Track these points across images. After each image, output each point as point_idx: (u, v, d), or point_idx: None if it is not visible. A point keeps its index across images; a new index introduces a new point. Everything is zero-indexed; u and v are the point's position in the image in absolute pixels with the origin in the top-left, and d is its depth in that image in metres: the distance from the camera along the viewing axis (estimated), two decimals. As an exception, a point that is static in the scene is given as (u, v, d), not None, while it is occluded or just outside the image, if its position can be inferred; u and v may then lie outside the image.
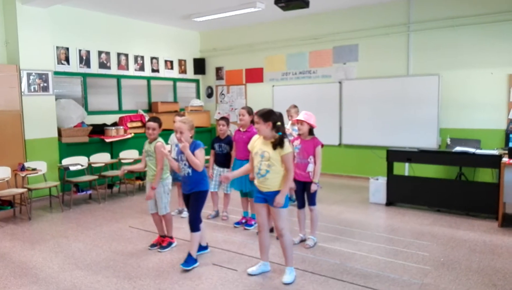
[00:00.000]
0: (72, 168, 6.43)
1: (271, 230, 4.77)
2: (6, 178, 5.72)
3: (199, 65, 9.99)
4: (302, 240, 4.44)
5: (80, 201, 6.57)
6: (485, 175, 6.41)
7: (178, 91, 9.71)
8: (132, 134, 7.69)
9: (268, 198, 3.45)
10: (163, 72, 9.26)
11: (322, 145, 4.26)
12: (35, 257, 4.20)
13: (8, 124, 6.14)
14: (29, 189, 5.83)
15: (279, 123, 3.41)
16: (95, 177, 6.57)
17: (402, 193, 5.86)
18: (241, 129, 4.98)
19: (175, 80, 9.61)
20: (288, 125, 5.67)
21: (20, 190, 5.64)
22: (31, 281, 3.63)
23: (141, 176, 7.46)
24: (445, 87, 6.88)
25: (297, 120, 4.29)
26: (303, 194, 4.35)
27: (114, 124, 7.85)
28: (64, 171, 6.45)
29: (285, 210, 3.48)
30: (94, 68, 7.85)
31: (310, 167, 4.22)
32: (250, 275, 3.64)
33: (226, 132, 5.22)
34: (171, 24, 9.05)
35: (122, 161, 7.20)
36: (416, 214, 5.50)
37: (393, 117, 7.35)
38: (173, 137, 5.64)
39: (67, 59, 7.38)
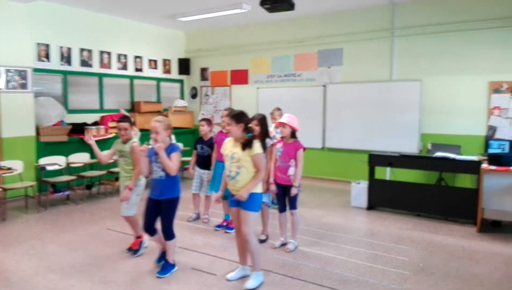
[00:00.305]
0: (49, 167, 6.27)
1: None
2: (-20, 177, 5.54)
3: (184, 65, 9.90)
4: (283, 244, 4.41)
5: (57, 202, 6.41)
6: (464, 180, 6.50)
7: (162, 91, 9.60)
8: (114, 134, 7.54)
9: (241, 201, 3.39)
10: (147, 72, 9.14)
11: (304, 149, 4.24)
12: (7, 260, 4.07)
13: (-17, 121, 5.95)
14: (4, 189, 5.66)
15: (250, 125, 3.43)
16: (74, 177, 6.43)
17: (383, 197, 5.89)
18: (223, 130, 4.93)
19: (159, 80, 9.50)
20: (271, 128, 5.64)
21: (-5, 190, 5.47)
22: (2, 285, 3.50)
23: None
24: (427, 92, 6.96)
25: (280, 122, 4.27)
26: (284, 197, 4.33)
27: (95, 124, 7.70)
28: (41, 171, 6.28)
29: (253, 214, 3.40)
30: (76, 65, 7.68)
31: (291, 171, 4.20)
32: (229, 280, 3.58)
33: (207, 133, 5.17)
34: (155, 23, 8.94)
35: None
36: (397, 219, 5.54)
37: (375, 122, 7.39)
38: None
39: (47, 56, 7.21)
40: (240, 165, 3.33)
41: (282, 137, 4.31)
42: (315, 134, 8.07)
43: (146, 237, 4.21)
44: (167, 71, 9.66)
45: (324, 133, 8.05)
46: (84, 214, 5.78)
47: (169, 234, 3.66)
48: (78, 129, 7.25)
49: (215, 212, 5.52)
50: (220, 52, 9.45)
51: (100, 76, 8.17)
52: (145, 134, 8.09)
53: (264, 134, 4.42)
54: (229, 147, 3.43)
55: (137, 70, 8.91)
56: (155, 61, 9.31)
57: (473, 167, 5.24)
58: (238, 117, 3.35)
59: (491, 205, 5.02)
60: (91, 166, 7.03)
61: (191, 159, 5.39)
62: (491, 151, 6.11)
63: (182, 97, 10.15)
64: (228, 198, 3.54)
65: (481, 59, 6.52)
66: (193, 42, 9.92)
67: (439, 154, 5.66)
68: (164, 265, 3.73)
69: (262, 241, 4.55)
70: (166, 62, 9.61)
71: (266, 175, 4.38)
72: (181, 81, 10.12)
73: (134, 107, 8.79)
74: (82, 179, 6.65)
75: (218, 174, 4.74)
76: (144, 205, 3.70)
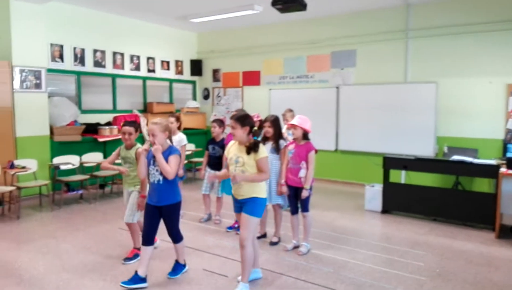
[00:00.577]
0: (63, 167, 6.31)
1: (264, 235, 4.71)
2: (-5, 176, 5.60)
3: (196, 67, 9.91)
4: (296, 247, 4.35)
5: (70, 201, 6.45)
6: (482, 185, 6.35)
7: (174, 92, 9.62)
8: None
9: (243, 205, 3.27)
10: (159, 73, 9.17)
11: (316, 151, 4.18)
12: (21, 258, 4.08)
13: (-1, 120, 6.02)
14: (19, 188, 5.70)
15: (255, 128, 3.27)
16: (87, 176, 6.46)
17: (398, 201, 5.79)
18: (235, 132, 4.89)
19: (171, 81, 9.52)
20: (283, 129, 5.59)
21: (9, 188, 5.52)
22: (15, 282, 3.51)
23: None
24: (443, 95, 6.83)
25: (291, 124, 4.22)
26: (296, 199, 4.27)
27: (108, 124, 7.74)
28: (55, 170, 6.32)
29: (254, 220, 3.26)
30: (89, 66, 7.73)
31: (302, 173, 4.14)
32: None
33: (219, 134, 5.15)
34: (168, 24, 8.96)
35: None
36: (412, 223, 5.43)
37: (390, 124, 7.28)
38: (167, 138, 5.55)
39: (61, 57, 7.27)
40: (245, 169, 3.20)
41: (294, 139, 4.25)
42: (328, 136, 7.99)
43: (158, 241, 4.21)
44: (180, 72, 9.68)
45: (337, 135, 7.97)
46: (97, 213, 5.80)
47: (177, 237, 3.58)
48: (92, 129, 7.30)
49: (226, 213, 5.48)
50: (232, 53, 9.43)
51: (113, 76, 8.22)
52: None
53: (277, 136, 4.38)
54: (234, 151, 3.30)
55: (150, 71, 8.94)
56: (167, 62, 9.34)
57: (491, 171, 5.12)
58: (243, 119, 3.22)
59: (510, 210, 4.89)
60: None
61: (203, 160, 5.38)
62: (509, 155, 5.95)
63: (194, 98, 10.15)
64: (234, 204, 3.43)
65: (498, 61, 6.38)
66: (205, 43, 9.92)
67: (456, 157, 5.54)
68: (175, 265, 3.69)
69: (274, 244, 4.50)
70: (178, 63, 9.63)
71: (279, 177, 4.35)
72: (193, 82, 10.13)
73: (146, 108, 8.82)
74: (95, 179, 6.68)
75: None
76: (144, 212, 3.55)
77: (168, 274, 3.64)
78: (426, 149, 6.86)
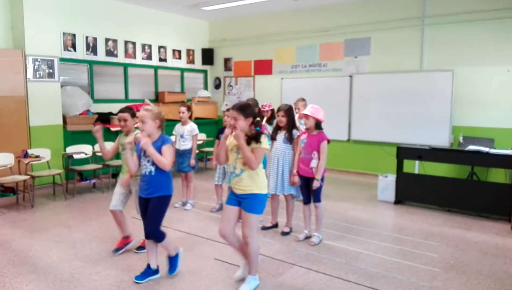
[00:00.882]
0: (76, 156, 6.36)
1: (276, 226, 4.69)
2: (9, 165, 5.67)
3: (208, 56, 9.85)
4: (307, 237, 4.33)
5: (84, 190, 6.52)
6: (497, 175, 6.21)
7: (185, 81, 9.59)
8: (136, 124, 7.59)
9: (243, 201, 3.09)
10: (171, 62, 9.14)
11: (328, 141, 4.12)
12: (35, 246, 4.14)
13: (13, 110, 6.08)
14: (32, 177, 5.77)
15: (258, 119, 3.10)
16: (100, 166, 6.50)
17: (411, 192, 5.70)
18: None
19: (182, 70, 9.49)
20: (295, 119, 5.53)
21: (23, 177, 5.59)
22: (29, 270, 3.56)
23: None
24: (459, 83, 6.67)
25: (303, 114, 4.15)
26: (308, 189, 4.23)
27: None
28: (68, 159, 6.38)
29: (256, 217, 3.12)
30: (101, 55, 7.74)
31: (314, 163, 4.09)
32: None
33: (232, 124, 5.10)
34: (179, 12, 8.90)
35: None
36: (426, 214, 5.35)
37: (404, 113, 7.16)
38: (177, 128, 5.55)
39: (73, 46, 7.29)
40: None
41: (307, 129, 4.19)
42: (340, 126, 7.90)
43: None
44: (191, 61, 9.64)
45: (350, 125, 7.87)
46: (110, 202, 5.83)
47: (157, 236, 3.30)
48: (104, 118, 7.34)
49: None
50: (244, 42, 9.35)
51: (125, 66, 8.22)
52: (169, 125, 8.11)
53: (291, 125, 4.33)
54: (234, 142, 3.08)
55: (161, 60, 8.92)
56: (179, 51, 9.30)
57: (508, 162, 5.01)
58: (246, 110, 3.03)
59: (527, 202, 4.79)
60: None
61: (214, 149, 5.36)
62: (527, 145, 5.81)
63: (205, 88, 10.12)
64: (229, 195, 3.20)
65: (518, 48, 6.20)
66: (217, 32, 9.85)
67: (472, 147, 5.42)
68: (170, 260, 3.46)
69: (285, 234, 4.48)
70: (190, 52, 9.58)
71: (292, 167, 4.31)
72: (204, 72, 10.09)
73: (158, 97, 8.82)
74: (108, 168, 6.72)
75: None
76: (139, 207, 3.42)
77: (168, 273, 3.47)
78: (441, 139, 6.73)
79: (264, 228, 4.66)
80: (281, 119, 4.33)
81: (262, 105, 5.25)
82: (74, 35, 7.28)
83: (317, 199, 4.19)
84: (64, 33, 7.12)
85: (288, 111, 4.34)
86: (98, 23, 7.63)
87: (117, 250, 3.96)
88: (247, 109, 3.05)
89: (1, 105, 5.94)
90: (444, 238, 4.46)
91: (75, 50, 7.31)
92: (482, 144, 5.80)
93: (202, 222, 4.90)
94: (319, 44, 8.27)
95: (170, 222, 4.88)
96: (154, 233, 3.29)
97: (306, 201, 4.30)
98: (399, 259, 3.88)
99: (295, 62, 8.65)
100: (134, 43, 8.30)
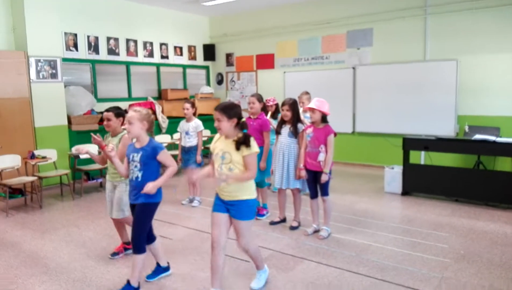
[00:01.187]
0: (82, 156, 6.37)
1: (284, 220, 4.70)
2: (16, 166, 5.69)
3: (209, 51, 9.82)
4: (316, 231, 4.33)
5: (91, 189, 6.54)
6: (504, 164, 6.19)
7: (188, 78, 9.58)
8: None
9: (231, 208, 2.90)
10: (173, 59, 9.12)
11: (335, 134, 4.11)
12: (45, 247, 4.16)
13: (17, 111, 6.08)
14: (40, 177, 5.79)
15: (243, 119, 2.87)
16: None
17: (418, 183, 5.69)
18: (251, 116, 4.86)
19: (184, 67, 9.47)
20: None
21: (31, 178, 5.61)
22: (42, 271, 3.59)
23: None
24: (464, 72, 6.63)
25: (309, 107, 4.14)
26: (315, 183, 4.23)
27: (124, 112, 7.74)
28: (74, 159, 6.40)
29: (249, 223, 2.96)
30: (103, 54, 7.73)
31: (321, 156, 4.08)
32: None
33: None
34: (179, 8, 8.86)
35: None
36: (434, 204, 5.34)
37: (408, 104, 7.13)
38: (182, 125, 5.54)
39: (75, 46, 7.28)
40: (233, 167, 2.82)
41: (312, 122, 4.18)
42: (344, 118, 7.88)
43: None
44: (193, 57, 9.62)
45: (354, 117, 7.85)
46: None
47: (137, 246, 3.04)
48: (108, 117, 7.33)
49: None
50: (245, 36, 9.31)
51: (127, 64, 8.21)
52: (173, 122, 8.13)
53: (295, 119, 4.32)
54: (220, 146, 2.89)
55: (163, 57, 8.90)
56: (180, 48, 9.27)
57: (515, 150, 4.98)
58: (229, 110, 2.80)
59: (536, 190, 4.77)
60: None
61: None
62: (534, 132, 5.79)
63: (208, 84, 10.10)
64: (215, 201, 2.99)
65: (523, 35, 6.14)
66: (218, 28, 9.81)
67: (478, 136, 5.40)
68: (125, 287, 3.11)
69: (294, 228, 4.49)
70: (191, 49, 9.55)
71: (297, 161, 4.31)
72: (206, 68, 10.06)
73: (161, 95, 8.81)
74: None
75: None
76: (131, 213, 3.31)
77: (147, 276, 3.37)
78: (447, 129, 6.71)
79: (272, 223, 4.67)
80: (286, 113, 4.32)
81: (266, 100, 5.24)
82: (75, 35, 7.26)
83: (325, 193, 4.19)
84: (65, 33, 7.10)
85: (293, 105, 4.33)
86: (99, 22, 7.61)
87: (114, 254, 3.85)
88: (231, 109, 2.82)
89: (5, 107, 5.95)
90: (453, 228, 4.46)
91: (77, 49, 7.30)
92: (488, 132, 5.78)
93: (209, 218, 4.90)
94: (321, 37, 8.23)
95: (178, 219, 4.90)
96: (134, 241, 3.05)
97: (314, 195, 4.30)
98: (409, 250, 3.88)
99: (297, 56, 8.61)
100: (135, 41, 8.28)
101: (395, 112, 7.29)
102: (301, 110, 5.68)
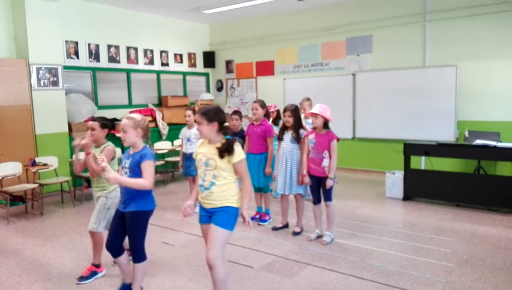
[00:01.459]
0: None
1: (286, 226, 4.69)
2: (17, 174, 5.67)
3: (209, 59, 9.87)
4: (319, 236, 4.33)
5: (91, 197, 6.46)
6: (504, 168, 6.22)
7: (188, 85, 9.61)
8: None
9: (213, 215, 2.74)
10: (173, 66, 9.16)
11: (338, 139, 4.13)
12: (47, 254, 4.15)
13: (18, 119, 6.09)
14: (41, 185, 5.77)
15: (226, 124, 2.74)
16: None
17: (420, 188, 5.70)
18: (254, 122, 4.88)
19: (184, 74, 9.51)
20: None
21: (32, 186, 5.59)
22: (45, 278, 3.57)
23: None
24: (463, 78, 6.68)
25: (311, 113, 4.16)
26: (319, 189, 4.24)
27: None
28: (75, 166, 6.38)
29: (226, 233, 2.71)
30: (104, 62, 7.76)
31: (325, 162, 4.09)
32: None
33: (239, 126, 5.13)
34: (180, 17, 8.92)
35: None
36: (435, 209, 5.35)
37: (408, 110, 7.16)
38: (183, 131, 5.55)
39: (76, 53, 7.31)
40: (217, 174, 2.68)
41: (314, 128, 4.20)
42: (345, 124, 7.90)
43: (104, 271, 3.62)
44: (193, 64, 9.66)
45: (354, 123, 7.88)
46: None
47: (137, 255, 2.99)
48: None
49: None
50: (245, 43, 9.36)
51: (128, 71, 8.24)
52: (173, 129, 8.14)
53: (297, 125, 4.34)
54: (203, 151, 2.76)
55: (163, 64, 8.94)
56: (180, 55, 9.32)
57: (516, 155, 5.00)
58: (209, 114, 2.69)
59: (537, 194, 4.79)
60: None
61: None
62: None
63: (208, 90, 10.14)
64: (200, 212, 2.85)
65: (521, 41, 6.20)
66: (218, 35, 9.86)
67: (479, 141, 5.42)
68: (125, 287, 3.12)
69: (296, 233, 4.48)
70: (191, 56, 9.60)
71: (300, 167, 4.31)
72: (206, 75, 10.10)
73: (161, 102, 8.83)
74: (114, 174, 6.72)
75: (249, 167, 4.68)
76: (112, 218, 3.19)
77: None
78: (447, 134, 6.74)
79: (275, 229, 4.66)
80: (288, 119, 4.34)
81: (268, 106, 5.26)
82: (76, 43, 7.29)
83: (328, 198, 4.20)
84: (66, 41, 7.13)
85: (295, 111, 4.35)
86: (100, 30, 7.65)
87: (81, 278, 3.49)
88: (213, 113, 2.70)
89: (7, 114, 5.96)
90: (455, 233, 4.46)
91: (78, 57, 7.33)
92: (488, 138, 5.80)
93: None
94: (320, 43, 8.29)
95: (180, 225, 4.89)
96: (135, 250, 2.98)
97: (317, 201, 4.30)
98: (413, 255, 3.88)
99: (297, 62, 8.66)
100: (136, 49, 8.32)
101: (395, 118, 7.33)
102: (302, 116, 5.72)
